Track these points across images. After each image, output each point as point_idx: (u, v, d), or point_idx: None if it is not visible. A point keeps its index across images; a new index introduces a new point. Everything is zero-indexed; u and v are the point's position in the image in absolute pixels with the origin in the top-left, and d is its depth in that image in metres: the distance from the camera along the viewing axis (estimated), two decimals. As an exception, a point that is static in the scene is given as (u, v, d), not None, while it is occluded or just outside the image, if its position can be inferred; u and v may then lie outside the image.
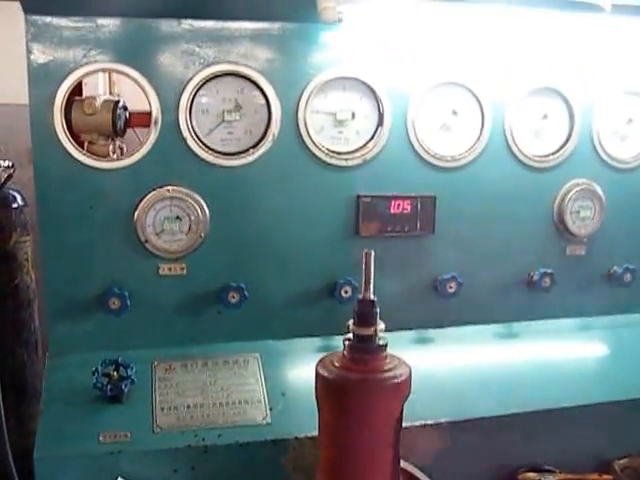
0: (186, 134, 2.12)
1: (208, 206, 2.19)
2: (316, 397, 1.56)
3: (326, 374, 1.49)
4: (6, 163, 2.74)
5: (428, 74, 2.32)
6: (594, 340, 2.60)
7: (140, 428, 1.96)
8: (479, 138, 2.39)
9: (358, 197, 2.31)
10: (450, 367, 2.38)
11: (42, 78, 2.02)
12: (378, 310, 1.53)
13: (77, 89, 2.34)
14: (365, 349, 1.51)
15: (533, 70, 2.41)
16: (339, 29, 2.17)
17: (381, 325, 1.52)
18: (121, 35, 2.06)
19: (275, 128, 2.19)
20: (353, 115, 2.28)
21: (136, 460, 1.90)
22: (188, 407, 2.04)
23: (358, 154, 2.29)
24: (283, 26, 2.17)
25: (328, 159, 2.26)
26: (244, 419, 2.02)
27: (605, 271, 2.64)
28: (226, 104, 2.17)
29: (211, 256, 2.23)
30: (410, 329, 2.44)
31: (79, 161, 2.07)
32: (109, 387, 1.96)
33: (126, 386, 1.97)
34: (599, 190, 2.54)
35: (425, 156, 2.34)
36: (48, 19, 2.00)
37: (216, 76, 2.14)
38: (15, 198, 2.75)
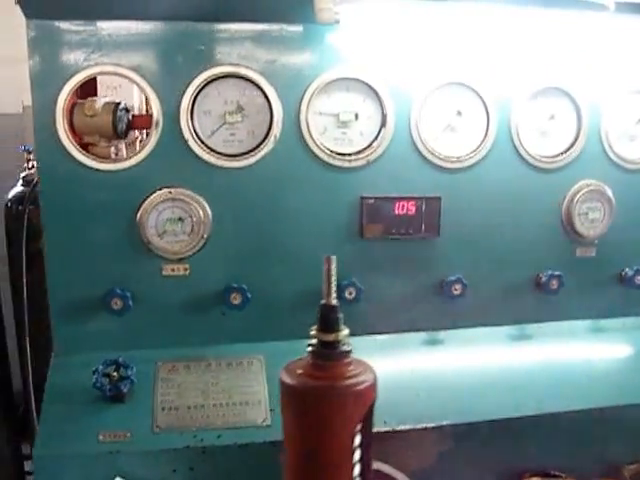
0: (187, 136, 2.13)
1: (210, 207, 2.20)
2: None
3: (287, 380, 1.45)
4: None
5: (432, 74, 2.30)
6: (605, 343, 2.56)
7: (140, 428, 1.97)
8: (485, 139, 2.36)
9: (362, 199, 2.30)
10: (458, 369, 2.36)
11: (44, 82, 2.04)
12: (341, 315, 1.48)
13: (92, 90, 2.39)
14: (327, 355, 1.45)
15: (538, 70, 2.38)
16: (341, 30, 2.16)
17: (345, 331, 1.46)
18: (122, 38, 2.08)
19: (277, 129, 2.20)
20: (356, 116, 2.27)
21: (135, 460, 1.91)
22: (188, 408, 2.05)
23: (362, 155, 2.28)
24: (284, 27, 2.17)
25: (331, 160, 2.25)
26: (244, 420, 2.02)
27: (616, 273, 2.60)
28: (228, 106, 2.17)
29: (214, 257, 2.24)
30: (416, 331, 2.43)
31: (82, 163, 2.09)
32: (108, 387, 1.98)
33: (125, 386, 1.98)
34: (608, 191, 2.50)
35: (429, 157, 2.32)
36: (49, 23, 2.02)
37: (217, 78, 2.15)
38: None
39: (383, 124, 2.28)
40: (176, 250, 2.19)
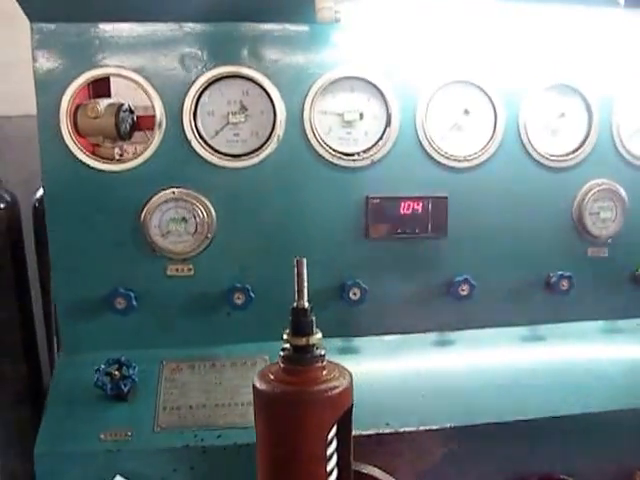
0: (190, 136, 2.14)
1: (214, 208, 2.20)
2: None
3: (258, 385, 1.45)
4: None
5: (438, 72, 2.28)
6: (618, 344, 2.50)
7: (141, 427, 1.97)
8: (492, 137, 2.32)
9: (367, 198, 2.28)
10: (464, 370, 2.32)
11: (48, 84, 2.07)
12: (314, 319, 1.47)
13: (106, 91, 2.41)
14: (299, 360, 1.45)
15: (548, 67, 2.34)
16: (344, 29, 2.15)
17: (318, 334, 1.45)
18: (124, 40, 2.09)
19: (280, 129, 2.19)
20: (361, 116, 2.25)
21: (135, 458, 1.91)
22: (190, 407, 2.05)
23: (367, 155, 2.26)
24: (287, 27, 2.16)
25: (335, 160, 2.24)
26: (245, 420, 2.01)
27: (629, 273, 2.54)
28: (231, 106, 2.18)
29: (219, 257, 2.24)
30: (423, 332, 2.40)
31: (86, 164, 2.11)
32: (109, 386, 1.99)
33: (126, 385, 1.99)
34: (621, 190, 2.45)
35: (436, 156, 2.30)
36: (53, 26, 2.04)
37: (220, 78, 2.16)
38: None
39: (388, 123, 2.26)
40: (180, 250, 2.19)
